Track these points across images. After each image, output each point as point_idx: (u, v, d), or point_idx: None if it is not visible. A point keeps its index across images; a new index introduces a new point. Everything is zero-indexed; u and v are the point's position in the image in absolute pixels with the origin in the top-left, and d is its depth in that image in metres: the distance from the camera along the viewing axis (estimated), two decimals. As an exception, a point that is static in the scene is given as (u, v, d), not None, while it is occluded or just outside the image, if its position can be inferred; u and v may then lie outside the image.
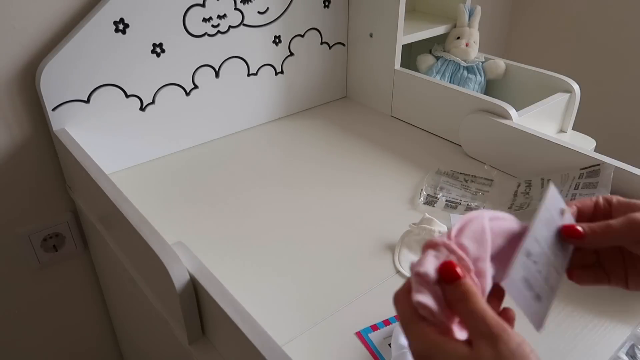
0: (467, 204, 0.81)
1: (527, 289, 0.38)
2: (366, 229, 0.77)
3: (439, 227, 0.72)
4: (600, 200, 0.45)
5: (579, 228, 0.41)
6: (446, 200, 0.82)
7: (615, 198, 0.45)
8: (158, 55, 0.87)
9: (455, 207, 0.81)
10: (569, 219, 0.43)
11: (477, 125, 0.93)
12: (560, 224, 0.42)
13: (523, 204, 0.79)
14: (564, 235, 0.41)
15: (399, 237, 0.74)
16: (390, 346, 0.57)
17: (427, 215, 0.74)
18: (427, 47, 1.22)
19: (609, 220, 0.42)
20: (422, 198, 0.82)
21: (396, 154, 0.97)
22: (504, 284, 0.36)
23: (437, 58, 1.19)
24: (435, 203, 0.82)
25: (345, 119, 1.10)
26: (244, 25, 0.95)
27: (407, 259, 0.70)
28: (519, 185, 0.84)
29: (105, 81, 0.83)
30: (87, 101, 0.83)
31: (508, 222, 0.41)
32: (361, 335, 0.59)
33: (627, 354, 0.69)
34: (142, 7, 0.82)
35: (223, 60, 0.96)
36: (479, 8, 1.16)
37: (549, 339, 0.58)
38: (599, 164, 0.76)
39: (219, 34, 0.93)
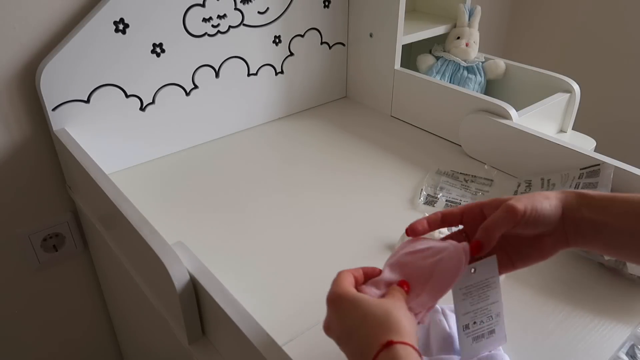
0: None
1: (480, 343, 0.50)
2: (366, 229, 0.76)
3: None
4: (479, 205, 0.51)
5: (479, 241, 0.48)
6: (446, 200, 0.82)
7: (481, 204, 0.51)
8: (158, 55, 0.87)
9: (455, 207, 0.81)
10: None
11: (477, 125, 0.93)
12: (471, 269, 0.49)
13: (523, 204, 0.79)
14: (472, 252, 0.48)
15: (398, 237, 0.74)
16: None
17: (426, 215, 0.74)
18: (427, 47, 1.22)
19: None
20: (422, 198, 0.82)
21: (396, 154, 0.97)
22: None
23: (437, 58, 1.19)
24: (435, 203, 0.82)
25: (345, 119, 1.10)
26: (244, 25, 0.95)
27: None
28: (519, 185, 0.84)
29: (105, 81, 0.83)
30: (87, 101, 0.83)
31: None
32: None
33: (627, 354, 0.69)
34: (142, 7, 0.82)
35: (223, 60, 0.96)
36: (479, 8, 1.16)
37: (549, 339, 0.58)
38: (599, 164, 0.76)
39: (219, 34, 0.93)
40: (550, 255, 0.50)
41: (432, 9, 1.26)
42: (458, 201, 0.82)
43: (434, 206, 0.81)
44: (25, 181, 0.88)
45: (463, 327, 0.50)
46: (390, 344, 0.40)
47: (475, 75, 1.16)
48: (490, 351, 0.53)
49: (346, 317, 0.43)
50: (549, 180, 0.80)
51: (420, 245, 0.50)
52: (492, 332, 0.52)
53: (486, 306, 0.51)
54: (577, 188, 0.74)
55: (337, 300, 0.44)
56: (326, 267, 0.70)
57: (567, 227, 0.49)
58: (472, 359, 0.51)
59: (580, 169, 0.78)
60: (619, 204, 0.47)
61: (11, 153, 0.84)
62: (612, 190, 0.72)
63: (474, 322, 0.51)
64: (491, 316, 0.52)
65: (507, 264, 0.51)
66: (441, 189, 0.85)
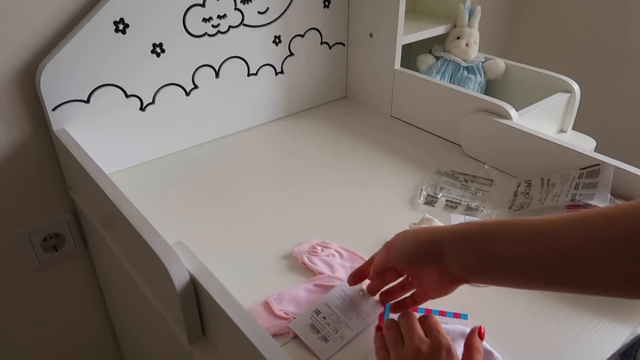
0: (467, 204, 0.81)
1: (313, 332, 0.58)
2: (366, 229, 0.76)
3: None
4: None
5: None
6: (446, 200, 0.82)
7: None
8: (158, 55, 0.87)
9: (455, 207, 0.81)
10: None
11: (477, 125, 0.93)
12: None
13: (523, 204, 0.79)
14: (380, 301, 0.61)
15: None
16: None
17: (427, 215, 0.74)
18: (427, 47, 1.22)
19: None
20: (422, 198, 0.82)
21: (396, 154, 0.97)
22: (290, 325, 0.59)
23: (437, 58, 1.19)
24: (435, 203, 0.82)
25: (345, 119, 1.10)
26: (244, 25, 0.95)
27: None
28: (518, 185, 0.84)
29: (105, 81, 0.83)
30: (87, 101, 0.83)
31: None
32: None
33: (627, 354, 0.69)
34: (142, 7, 0.82)
35: (223, 60, 0.96)
36: (479, 8, 1.16)
37: (549, 339, 0.58)
38: (598, 164, 0.76)
39: (219, 34, 0.93)
40: (448, 291, 0.53)
41: (432, 9, 1.26)
42: (458, 201, 0.82)
43: (433, 206, 0.81)
44: (25, 181, 0.88)
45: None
46: None
47: (475, 75, 1.16)
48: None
49: None
50: (548, 180, 0.80)
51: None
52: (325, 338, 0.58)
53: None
54: (578, 188, 0.74)
55: None
56: (326, 267, 0.70)
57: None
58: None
59: (580, 169, 0.78)
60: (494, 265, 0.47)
61: (11, 153, 0.84)
62: (612, 190, 0.72)
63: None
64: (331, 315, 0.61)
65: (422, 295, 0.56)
66: (441, 189, 0.85)
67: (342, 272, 0.67)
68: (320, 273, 0.67)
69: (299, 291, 0.64)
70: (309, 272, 0.69)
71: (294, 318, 0.60)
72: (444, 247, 0.49)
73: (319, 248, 0.70)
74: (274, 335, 0.59)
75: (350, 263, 0.69)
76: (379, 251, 0.58)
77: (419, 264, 0.52)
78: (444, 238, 0.49)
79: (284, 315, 0.60)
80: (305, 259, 0.69)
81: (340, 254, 0.70)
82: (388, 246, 0.55)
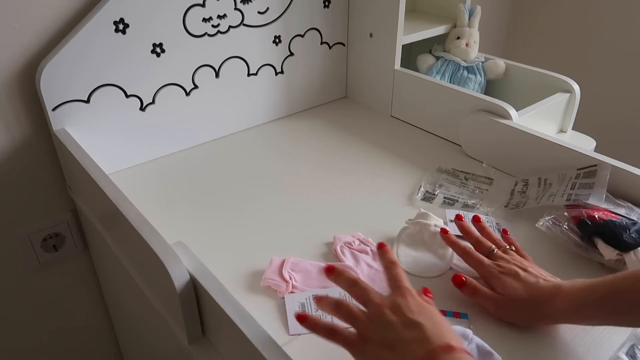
0: (465, 202, 0.81)
1: (300, 309, 0.61)
2: (366, 228, 0.76)
3: (435, 222, 0.72)
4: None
5: (464, 278, 0.61)
6: (444, 197, 0.82)
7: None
8: (158, 55, 0.87)
9: (453, 204, 0.81)
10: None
11: (477, 125, 0.93)
12: None
13: (519, 203, 0.79)
14: (453, 280, 0.61)
15: (397, 234, 0.74)
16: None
17: (422, 210, 0.74)
18: (427, 47, 1.22)
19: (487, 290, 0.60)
20: (419, 194, 0.82)
21: (396, 154, 0.97)
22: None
23: (437, 58, 1.19)
24: (432, 199, 0.82)
25: (345, 119, 1.10)
26: (244, 25, 0.95)
27: (404, 254, 0.71)
28: (516, 184, 0.85)
29: (105, 81, 0.83)
30: (87, 101, 0.83)
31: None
32: None
33: (627, 354, 0.69)
34: (142, 7, 0.82)
35: (223, 60, 0.96)
36: (479, 8, 1.16)
37: (549, 339, 0.58)
38: (596, 165, 0.76)
39: (219, 34, 0.93)
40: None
41: (432, 9, 1.26)
42: (455, 198, 0.82)
43: (431, 202, 0.81)
44: (25, 181, 0.88)
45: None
46: None
47: (475, 75, 1.17)
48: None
49: None
50: (545, 180, 0.81)
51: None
52: None
53: None
54: (574, 188, 0.74)
55: None
56: (326, 267, 0.70)
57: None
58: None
59: (578, 169, 0.78)
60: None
61: (11, 153, 0.85)
62: (612, 190, 0.72)
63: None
64: None
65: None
66: (440, 186, 0.85)
67: (364, 269, 0.68)
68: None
69: (315, 268, 0.67)
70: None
71: (293, 288, 0.64)
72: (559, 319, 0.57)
73: (356, 242, 0.72)
74: (266, 288, 0.64)
75: (378, 266, 0.67)
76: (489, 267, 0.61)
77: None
78: (559, 317, 0.56)
79: (287, 278, 0.64)
80: (338, 249, 0.70)
81: (375, 254, 0.70)
82: (503, 300, 0.59)
